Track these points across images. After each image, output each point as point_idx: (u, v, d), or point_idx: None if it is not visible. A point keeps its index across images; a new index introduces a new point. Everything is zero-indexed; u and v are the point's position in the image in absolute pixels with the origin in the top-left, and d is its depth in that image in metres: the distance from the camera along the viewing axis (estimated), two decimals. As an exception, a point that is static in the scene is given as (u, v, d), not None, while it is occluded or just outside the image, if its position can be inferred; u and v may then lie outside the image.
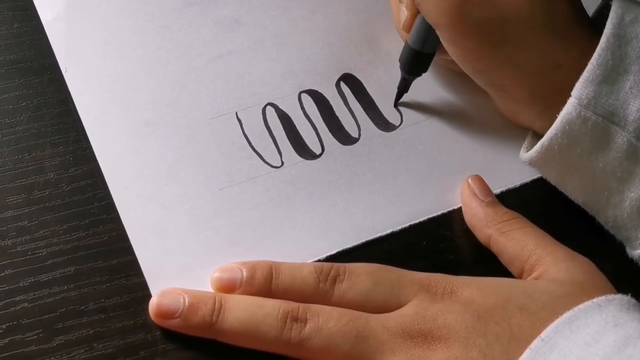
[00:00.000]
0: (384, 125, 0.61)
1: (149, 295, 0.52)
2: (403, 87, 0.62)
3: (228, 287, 0.51)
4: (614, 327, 0.46)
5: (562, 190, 0.58)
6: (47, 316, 0.51)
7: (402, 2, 0.61)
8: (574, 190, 0.57)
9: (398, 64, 0.62)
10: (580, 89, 0.52)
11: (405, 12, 0.60)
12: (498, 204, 0.56)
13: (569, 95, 0.52)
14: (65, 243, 0.53)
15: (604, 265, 0.52)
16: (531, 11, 0.54)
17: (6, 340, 0.50)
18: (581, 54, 0.53)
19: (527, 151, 0.58)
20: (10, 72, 0.61)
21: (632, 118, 0.52)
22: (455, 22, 0.55)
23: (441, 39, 0.57)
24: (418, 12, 0.59)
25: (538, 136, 0.57)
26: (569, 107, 0.52)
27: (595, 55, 0.52)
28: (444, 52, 0.59)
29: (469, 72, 0.59)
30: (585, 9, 0.57)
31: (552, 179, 0.58)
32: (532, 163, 0.57)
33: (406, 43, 0.61)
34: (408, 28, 0.61)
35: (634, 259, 0.56)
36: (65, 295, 0.51)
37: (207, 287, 0.52)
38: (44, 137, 0.58)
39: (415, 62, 0.61)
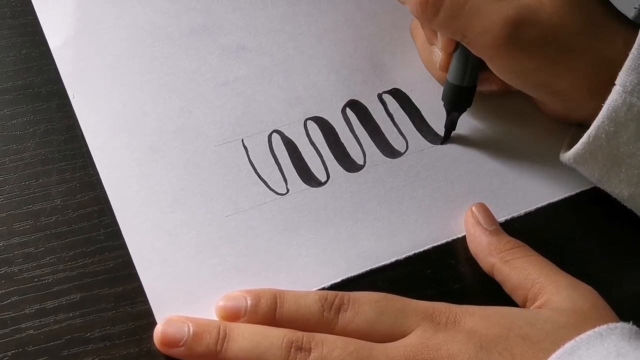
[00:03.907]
0: (389, 152, 0.62)
1: (154, 323, 0.52)
2: (450, 125, 0.63)
3: (232, 315, 0.51)
4: (616, 357, 0.46)
5: (605, 187, 0.59)
6: (52, 343, 0.51)
7: (435, 45, 0.62)
8: (618, 183, 0.57)
9: (403, 89, 0.64)
10: (623, 77, 0.53)
11: (440, 54, 0.61)
12: (502, 233, 0.56)
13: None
14: (71, 270, 0.54)
15: (606, 293, 0.52)
16: (573, 18, 0.55)
17: (12, 368, 0.50)
18: (625, 45, 0.54)
19: (566, 152, 0.59)
20: (19, 98, 0.61)
21: None
22: (511, 49, 0.56)
23: (495, 69, 0.58)
24: (454, 50, 0.60)
25: (577, 138, 0.58)
26: (614, 95, 0.54)
27: (636, 44, 0.53)
28: (485, 85, 0.62)
29: (527, 90, 0.60)
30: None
31: (596, 175, 0.58)
32: (577, 158, 0.58)
33: (447, 81, 0.62)
34: (446, 68, 0.62)
35: None
36: (71, 322, 0.52)
37: (213, 315, 0.52)
38: (51, 164, 0.58)
39: (460, 97, 0.62)
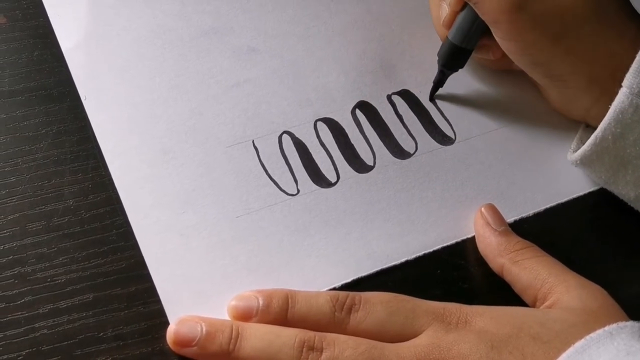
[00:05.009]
0: (399, 152, 0.62)
1: (167, 323, 0.52)
2: (438, 81, 0.65)
3: (244, 315, 0.51)
4: (626, 356, 0.46)
5: (612, 189, 0.60)
6: (66, 343, 0.51)
7: (444, 0, 0.62)
8: (625, 184, 0.58)
9: (412, 90, 0.64)
10: (630, 79, 0.53)
11: (447, 9, 0.62)
12: (511, 233, 0.57)
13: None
14: (84, 270, 0.54)
15: (615, 292, 0.53)
16: (586, 3, 0.56)
17: (26, 367, 0.50)
18: (632, 43, 0.55)
19: (574, 153, 0.60)
20: (31, 100, 0.62)
21: None
22: (515, 17, 0.56)
23: (498, 36, 0.59)
24: (460, 9, 0.61)
25: (584, 139, 0.59)
26: (621, 96, 0.54)
27: None
28: (483, 52, 0.62)
29: (526, 66, 0.60)
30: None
31: (603, 176, 0.59)
32: (584, 160, 0.59)
33: (446, 38, 0.63)
34: (448, 25, 0.62)
35: None
36: (84, 322, 0.52)
37: (224, 314, 0.52)
38: (64, 164, 0.58)
39: (454, 57, 0.63)
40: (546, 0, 0.55)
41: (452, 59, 0.63)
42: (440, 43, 0.65)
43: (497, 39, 0.59)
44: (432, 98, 0.65)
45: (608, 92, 0.55)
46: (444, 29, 0.63)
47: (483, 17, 0.58)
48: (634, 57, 0.53)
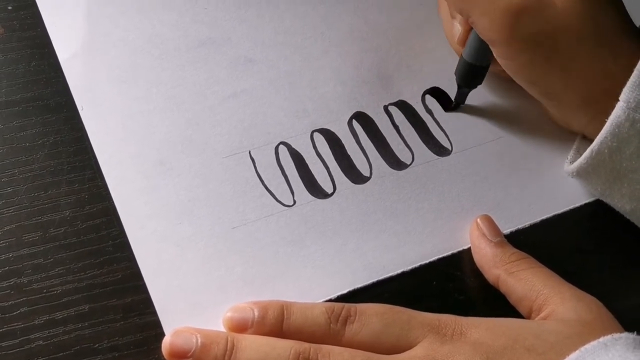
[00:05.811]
0: (396, 163, 0.62)
1: (163, 334, 0.52)
2: (459, 99, 0.65)
3: (240, 326, 0.51)
4: (620, 368, 0.46)
5: (608, 201, 0.60)
6: (61, 354, 0.51)
7: (455, 19, 0.63)
8: (621, 197, 0.58)
9: (409, 101, 0.64)
10: (627, 93, 0.53)
11: (459, 28, 0.62)
12: (507, 245, 0.57)
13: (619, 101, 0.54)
14: (80, 281, 0.54)
15: (610, 304, 0.53)
16: (581, 23, 0.55)
17: (21, 378, 0.50)
18: (628, 62, 0.54)
19: (570, 164, 0.60)
20: (28, 110, 0.62)
21: None
22: (508, 37, 0.56)
23: (495, 54, 0.59)
24: (471, 27, 0.61)
25: (582, 150, 0.59)
26: (618, 111, 0.54)
27: None
28: (496, 65, 0.62)
29: (522, 83, 0.60)
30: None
31: (599, 188, 0.59)
32: (580, 172, 0.59)
33: (461, 57, 0.63)
34: (462, 42, 0.63)
35: None
36: (80, 333, 0.52)
37: (220, 326, 0.52)
38: (60, 175, 0.59)
39: (471, 75, 0.63)
40: (538, 23, 0.55)
41: (468, 77, 0.63)
42: (436, 53, 0.66)
43: (496, 57, 0.59)
44: (449, 110, 0.66)
45: (604, 110, 0.55)
46: (458, 46, 0.64)
47: (481, 36, 0.59)
48: (629, 76, 0.53)
